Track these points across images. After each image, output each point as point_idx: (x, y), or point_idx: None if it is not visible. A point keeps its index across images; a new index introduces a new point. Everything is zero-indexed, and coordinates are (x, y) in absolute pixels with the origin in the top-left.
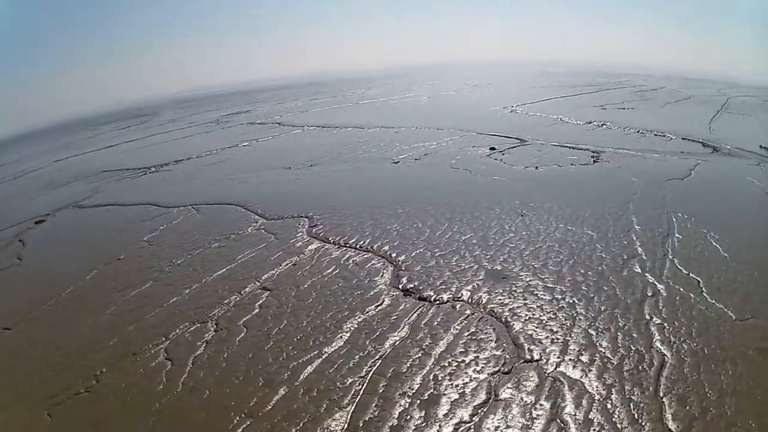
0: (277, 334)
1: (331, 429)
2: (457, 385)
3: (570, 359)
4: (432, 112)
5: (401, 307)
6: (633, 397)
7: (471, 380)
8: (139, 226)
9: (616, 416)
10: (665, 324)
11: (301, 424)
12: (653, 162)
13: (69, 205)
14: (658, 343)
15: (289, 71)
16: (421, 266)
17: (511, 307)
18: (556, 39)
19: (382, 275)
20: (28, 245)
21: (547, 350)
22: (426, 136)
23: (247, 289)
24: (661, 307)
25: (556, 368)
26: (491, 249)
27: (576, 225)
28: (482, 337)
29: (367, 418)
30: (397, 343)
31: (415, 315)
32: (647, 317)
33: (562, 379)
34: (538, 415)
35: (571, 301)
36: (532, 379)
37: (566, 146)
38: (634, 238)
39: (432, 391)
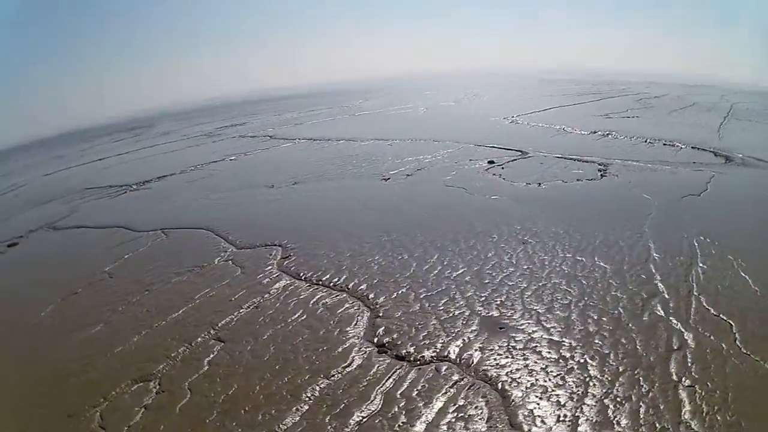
0: (223, 402)
1: None
2: None
3: None
4: (429, 123)
5: (374, 370)
6: None
7: None
8: (104, 254)
9: None
10: (696, 387)
11: None
12: (665, 175)
13: (44, 225)
14: (687, 415)
15: (290, 81)
16: (402, 312)
17: (509, 369)
18: (555, 47)
19: (355, 323)
20: None
21: None
22: (421, 149)
23: (199, 340)
24: (690, 364)
25: None
26: (487, 288)
27: (586, 254)
28: (472, 413)
29: None
30: (365, 420)
31: (391, 380)
32: (674, 379)
33: None
34: None
35: (582, 361)
36: None
37: (570, 158)
38: (653, 271)
39: None
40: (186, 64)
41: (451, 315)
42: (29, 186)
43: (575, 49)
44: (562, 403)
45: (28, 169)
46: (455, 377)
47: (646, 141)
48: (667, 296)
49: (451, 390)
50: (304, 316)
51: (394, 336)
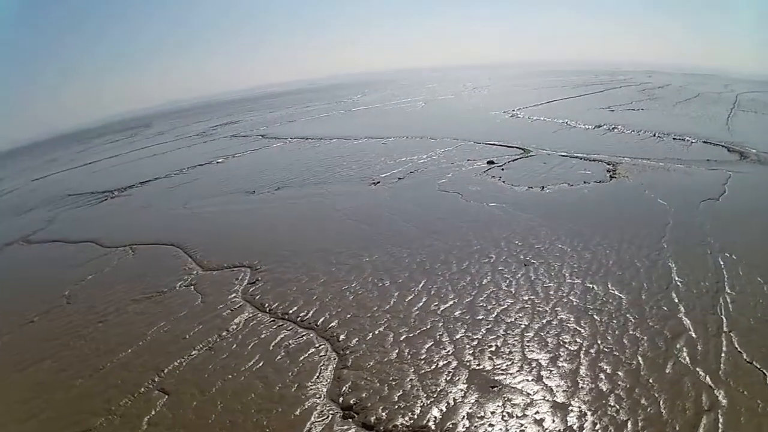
0: None
1: None
2: None
3: None
4: (427, 118)
5: None
6: None
7: None
8: (69, 273)
9: None
10: None
11: None
12: (679, 175)
13: (19, 239)
14: None
15: (292, 77)
16: (375, 360)
17: None
18: (555, 38)
19: (318, 374)
20: None
21: None
22: (416, 148)
23: (142, 390)
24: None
25: None
26: (479, 329)
27: (597, 280)
28: None
29: None
30: None
31: None
32: None
33: None
34: None
35: None
36: None
37: (576, 157)
38: (676, 300)
39: None
40: (188, 61)
41: (434, 367)
42: (16, 192)
43: (575, 39)
44: None
45: (21, 174)
46: None
47: (654, 135)
48: (693, 335)
49: None
50: (261, 363)
51: (363, 395)
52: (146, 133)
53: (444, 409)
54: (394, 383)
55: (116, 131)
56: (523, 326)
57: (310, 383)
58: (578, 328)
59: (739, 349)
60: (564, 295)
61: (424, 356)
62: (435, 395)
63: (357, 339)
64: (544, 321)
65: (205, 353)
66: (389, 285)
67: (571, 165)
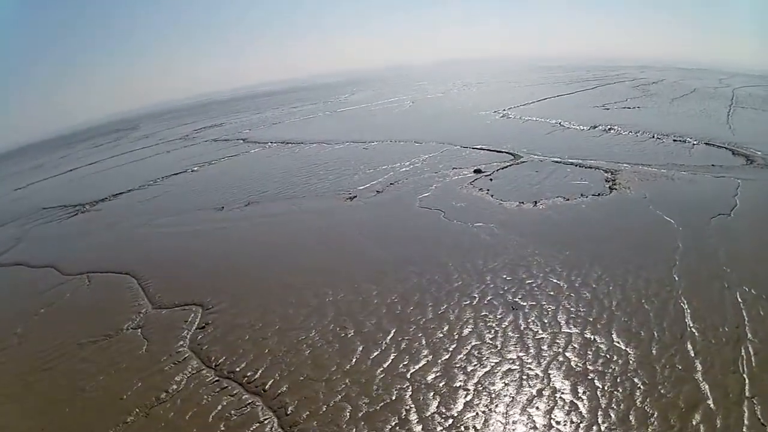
0: None
1: None
2: None
3: None
4: (413, 119)
5: None
6: None
7: None
8: (25, 304)
9: None
10: None
11: None
12: (684, 185)
13: None
14: None
15: (284, 75)
16: None
17: None
18: (547, 32)
19: None
20: None
21: None
22: (399, 154)
23: None
24: None
25: None
26: (456, 402)
27: (599, 330)
28: None
29: None
30: None
31: None
32: None
33: None
34: None
35: None
36: None
37: (571, 163)
38: (692, 355)
39: None
40: (181, 60)
41: None
42: None
43: (567, 34)
44: None
45: (5, 181)
46: None
47: (653, 137)
48: (712, 406)
49: None
50: None
51: None
52: (131, 136)
53: None
54: None
55: (103, 134)
56: (508, 399)
57: None
58: (575, 400)
59: (762, 421)
60: (559, 350)
61: None
62: None
63: (308, 412)
64: (535, 390)
65: (142, 421)
66: (353, 336)
67: (565, 173)
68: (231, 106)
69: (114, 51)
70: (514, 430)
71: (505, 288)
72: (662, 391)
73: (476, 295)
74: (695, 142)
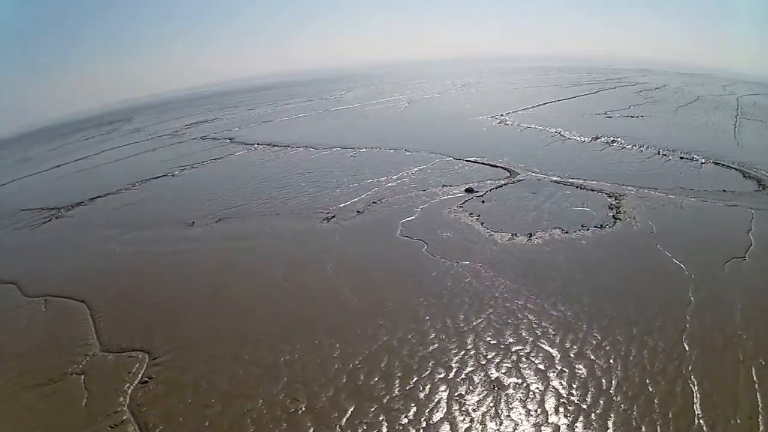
0: None
1: None
2: None
3: None
4: (407, 123)
5: None
6: None
7: None
8: None
9: None
10: None
11: None
12: (694, 215)
13: None
14: None
15: (287, 68)
16: None
17: None
18: (548, 33)
19: None
20: None
21: None
22: (387, 165)
23: None
24: None
25: None
26: None
27: (593, 422)
28: None
29: None
30: None
31: None
32: None
33: None
34: None
35: None
36: None
37: (571, 184)
38: None
39: None
40: (184, 50)
41: None
42: None
43: (566, 34)
44: None
45: None
46: None
47: (659, 153)
48: None
49: None
50: None
51: None
52: (124, 129)
53: None
54: None
55: (98, 125)
56: None
57: None
58: None
59: None
60: None
61: None
62: None
63: None
64: None
65: None
66: (304, 412)
67: (565, 196)
68: (227, 99)
69: (114, 44)
70: None
71: (488, 357)
72: None
73: (454, 365)
74: (703, 161)
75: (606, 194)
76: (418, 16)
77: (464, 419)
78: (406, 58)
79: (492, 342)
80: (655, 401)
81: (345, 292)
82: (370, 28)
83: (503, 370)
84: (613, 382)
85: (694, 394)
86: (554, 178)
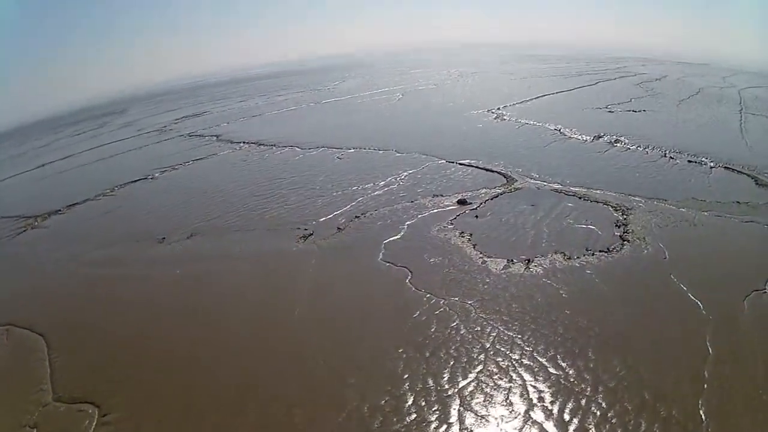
0: None
1: None
2: None
3: None
4: (399, 119)
5: None
6: None
7: None
8: None
9: None
10: None
11: None
12: (709, 234)
13: None
14: None
15: (285, 56)
16: None
17: None
18: (547, 19)
19: None
20: None
21: None
22: (375, 168)
23: None
24: None
25: None
26: None
27: None
28: None
29: None
30: None
31: None
32: None
33: None
34: None
35: None
36: None
37: (574, 193)
38: None
39: None
40: (184, 39)
41: None
42: None
43: (563, 21)
44: None
45: None
46: None
47: (665, 155)
48: None
49: None
50: None
51: None
52: (115, 123)
53: None
54: None
55: (92, 117)
56: None
57: None
58: None
59: None
60: None
61: None
62: None
63: None
64: None
65: None
66: None
67: (568, 210)
68: (221, 90)
69: (113, 39)
70: None
71: None
72: None
73: None
74: (713, 165)
75: (612, 207)
76: (413, 6)
77: None
78: (407, 44)
79: (480, 413)
80: None
81: (310, 343)
82: (367, 16)
83: None
84: None
85: None
86: (555, 187)
